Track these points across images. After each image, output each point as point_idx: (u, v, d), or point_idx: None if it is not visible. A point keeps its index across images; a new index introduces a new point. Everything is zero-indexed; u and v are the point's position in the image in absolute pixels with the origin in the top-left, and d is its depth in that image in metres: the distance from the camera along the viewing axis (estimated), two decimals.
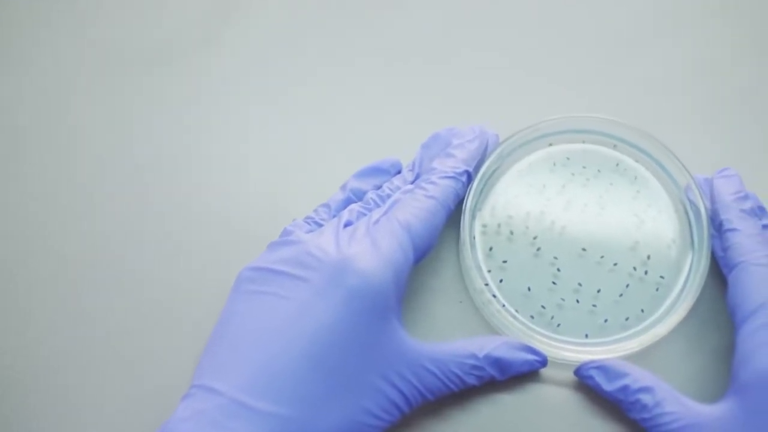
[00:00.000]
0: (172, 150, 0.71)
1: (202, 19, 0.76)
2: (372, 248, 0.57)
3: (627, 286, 0.64)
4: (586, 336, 0.63)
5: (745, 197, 0.63)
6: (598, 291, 0.64)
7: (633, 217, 0.66)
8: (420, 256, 0.60)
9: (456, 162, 0.63)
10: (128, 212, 0.68)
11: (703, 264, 0.62)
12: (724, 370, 0.61)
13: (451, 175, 0.62)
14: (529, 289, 0.64)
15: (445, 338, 0.60)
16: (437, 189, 0.61)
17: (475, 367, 0.59)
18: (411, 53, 0.75)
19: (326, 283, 0.56)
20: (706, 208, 0.64)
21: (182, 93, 0.73)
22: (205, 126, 0.72)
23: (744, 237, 0.61)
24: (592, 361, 0.60)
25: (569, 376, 0.62)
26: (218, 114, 0.72)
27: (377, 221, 0.59)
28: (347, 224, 0.61)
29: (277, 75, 0.74)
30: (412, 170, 0.65)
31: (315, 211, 0.64)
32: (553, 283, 0.64)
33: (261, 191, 0.69)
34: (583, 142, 0.68)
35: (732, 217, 0.62)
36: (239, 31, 0.76)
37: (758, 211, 0.64)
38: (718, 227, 0.63)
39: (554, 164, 0.68)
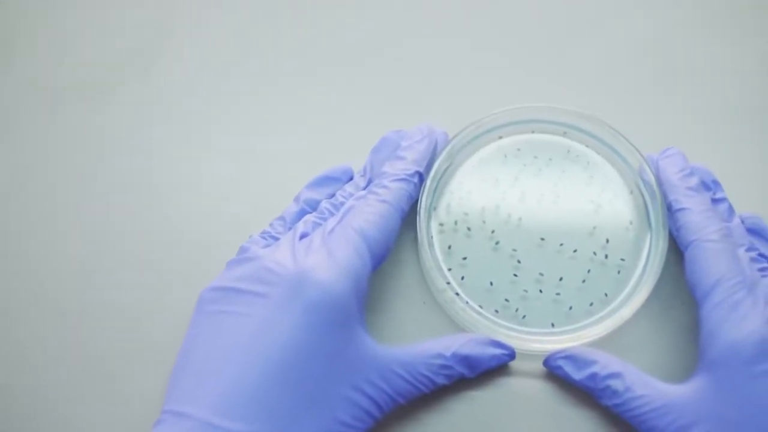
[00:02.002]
0: (122, 179, 0.70)
1: (139, 47, 0.75)
2: (329, 258, 0.57)
3: (588, 271, 0.64)
4: (552, 325, 0.63)
5: (691, 174, 0.63)
6: (561, 279, 0.64)
7: (588, 202, 0.66)
8: (378, 261, 0.60)
9: (406, 164, 0.63)
10: (83, 241, 0.68)
11: (662, 243, 0.63)
12: (692, 347, 0.61)
13: (402, 177, 0.62)
14: (491, 283, 0.64)
15: (411, 340, 0.60)
16: (389, 193, 0.61)
17: (443, 366, 0.59)
18: (349, 59, 0.75)
19: (286, 297, 0.56)
20: (660, 186, 0.64)
21: (127, 121, 0.72)
22: (153, 151, 0.71)
23: (693, 215, 0.61)
24: (560, 351, 0.60)
25: (539, 366, 0.62)
26: (164, 138, 0.71)
27: (332, 230, 0.59)
28: (303, 236, 0.60)
29: (219, 94, 0.73)
30: (363, 176, 0.65)
31: (270, 225, 0.63)
32: (515, 275, 0.64)
33: (215, 210, 0.68)
34: (533, 132, 0.69)
35: (679, 197, 0.62)
36: (178, 54, 0.75)
37: (710, 185, 0.64)
38: (668, 208, 0.63)
39: (505, 156, 0.68)
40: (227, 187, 0.69)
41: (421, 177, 0.63)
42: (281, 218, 0.64)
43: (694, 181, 0.63)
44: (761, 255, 0.62)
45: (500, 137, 0.68)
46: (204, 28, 0.76)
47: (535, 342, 0.61)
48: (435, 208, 0.66)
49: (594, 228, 0.65)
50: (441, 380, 0.59)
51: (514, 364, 0.62)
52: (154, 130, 0.72)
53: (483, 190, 0.67)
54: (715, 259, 0.59)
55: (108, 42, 0.76)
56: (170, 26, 0.76)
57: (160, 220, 0.68)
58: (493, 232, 0.65)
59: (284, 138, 0.71)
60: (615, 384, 0.58)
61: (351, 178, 0.66)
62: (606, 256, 0.64)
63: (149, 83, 0.74)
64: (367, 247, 0.58)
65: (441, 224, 0.66)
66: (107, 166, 0.70)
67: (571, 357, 0.60)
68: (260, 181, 0.69)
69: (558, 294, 0.63)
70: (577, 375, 0.59)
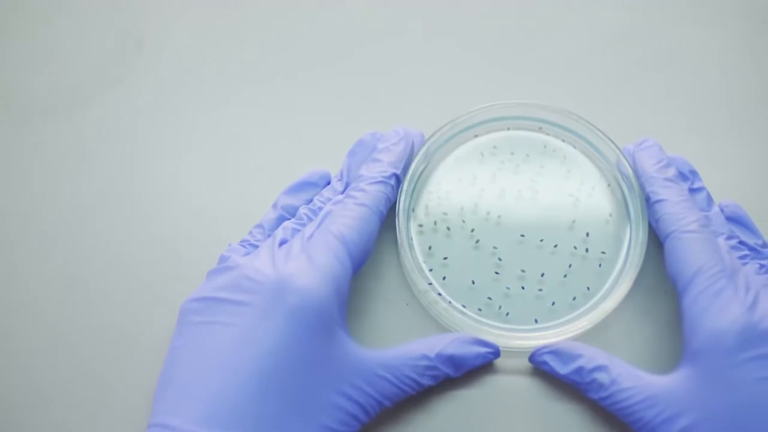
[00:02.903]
0: (100, 192, 0.69)
1: (111, 59, 0.75)
2: (309, 264, 0.57)
3: (570, 266, 0.64)
4: (536, 321, 0.62)
5: (667, 165, 0.64)
6: (542, 275, 0.64)
7: (567, 197, 0.66)
8: (358, 265, 0.60)
9: (383, 166, 0.63)
10: (60, 255, 0.67)
11: (642, 235, 0.63)
12: (676, 337, 0.61)
13: (380, 179, 0.62)
14: (473, 282, 0.64)
15: (396, 343, 0.60)
16: (367, 196, 0.61)
17: (428, 367, 0.58)
18: (320, 63, 0.75)
19: (267, 305, 0.56)
20: (638, 179, 0.64)
21: (101, 134, 0.72)
22: (129, 163, 0.71)
23: (671, 206, 0.61)
24: (545, 346, 0.60)
25: (524, 363, 0.62)
26: (140, 150, 0.71)
27: (311, 236, 0.59)
28: (282, 242, 0.60)
29: (192, 104, 0.73)
30: (341, 180, 0.64)
31: (250, 233, 0.63)
32: (496, 273, 0.64)
33: (195, 220, 0.68)
34: (508, 129, 0.69)
35: (657, 188, 0.62)
36: (150, 66, 0.75)
37: (688, 175, 0.64)
38: (647, 200, 0.63)
39: (482, 155, 0.68)
40: (206, 197, 0.69)
41: (399, 179, 0.63)
42: (260, 225, 0.63)
43: (671, 171, 0.63)
44: (741, 243, 0.62)
45: (476, 136, 0.68)
46: (175, 39, 0.76)
47: (520, 339, 0.61)
48: (414, 210, 0.66)
49: (574, 222, 0.65)
50: (426, 381, 0.59)
51: (500, 362, 0.62)
52: (128, 142, 0.72)
53: (461, 189, 0.67)
54: (695, 249, 0.59)
55: (80, 55, 0.76)
56: (141, 38, 0.76)
57: (139, 232, 0.68)
58: (472, 230, 0.65)
59: (261, 145, 0.71)
60: (601, 377, 0.58)
61: (328, 183, 0.66)
62: (587, 250, 0.64)
63: (122, 96, 0.74)
64: (346, 251, 0.58)
65: (420, 225, 0.66)
66: (84, 178, 0.70)
67: (556, 352, 0.60)
68: (238, 189, 0.69)
69: (540, 290, 0.63)
70: (563, 369, 0.59)
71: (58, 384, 0.63)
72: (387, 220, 0.63)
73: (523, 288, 0.63)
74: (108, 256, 0.67)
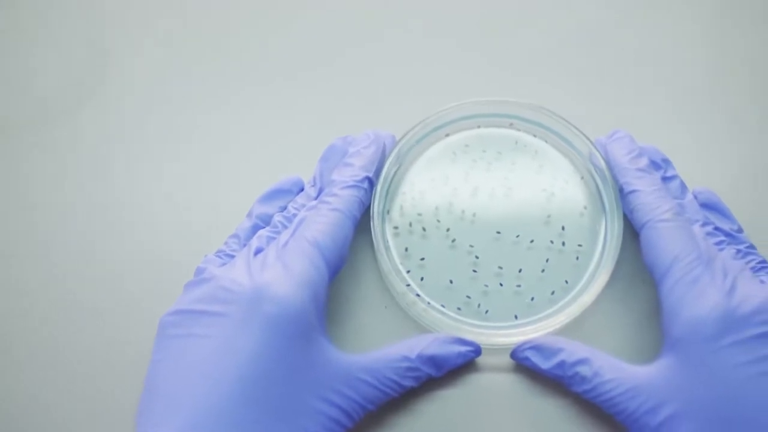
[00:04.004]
0: (74, 208, 0.69)
1: (81, 73, 0.75)
2: (284, 272, 0.57)
3: (547, 260, 0.64)
4: (516, 317, 0.63)
5: (639, 155, 0.64)
6: (520, 271, 0.64)
7: (541, 191, 0.66)
8: (334, 270, 0.59)
9: (354, 170, 0.63)
10: (37, 268, 0.67)
11: (617, 226, 0.63)
12: (656, 326, 0.61)
13: (352, 184, 0.62)
14: (451, 281, 0.64)
15: (377, 346, 0.60)
16: (340, 201, 0.61)
17: (410, 369, 0.58)
18: (289, 72, 0.74)
19: (245, 315, 0.56)
20: (610, 171, 0.64)
21: (75, 149, 0.72)
22: (103, 178, 0.70)
23: (645, 196, 0.61)
24: (526, 342, 0.60)
25: (506, 360, 0.62)
26: (113, 165, 0.71)
27: (286, 244, 0.59)
28: (258, 251, 0.60)
29: (162, 116, 0.73)
30: (314, 185, 0.64)
31: (225, 243, 0.63)
32: (474, 271, 0.64)
33: (170, 233, 0.68)
34: (479, 126, 0.69)
35: (630, 179, 0.63)
36: (121, 81, 0.74)
37: (661, 164, 0.64)
38: (620, 191, 0.63)
39: (454, 153, 0.68)
40: (178, 209, 0.69)
41: (371, 182, 0.63)
42: (235, 235, 0.63)
43: (643, 162, 0.63)
44: (717, 229, 0.62)
45: (447, 135, 0.68)
46: (144, 49, 0.76)
47: (500, 336, 0.61)
48: (388, 212, 0.66)
49: (549, 216, 0.65)
50: (409, 383, 0.59)
51: (482, 360, 0.62)
52: (102, 156, 0.71)
53: (435, 189, 0.67)
54: (670, 238, 0.59)
55: (50, 71, 0.75)
56: (110, 50, 0.76)
57: (117, 247, 0.67)
58: (448, 230, 0.65)
59: (233, 154, 0.71)
60: (583, 370, 0.58)
61: (302, 189, 0.65)
62: (563, 244, 0.64)
63: (95, 110, 0.73)
64: (322, 257, 0.58)
65: (396, 227, 0.65)
66: (60, 192, 0.70)
67: (537, 347, 0.60)
68: (214, 199, 0.69)
69: (518, 286, 0.63)
70: (545, 364, 0.59)
71: (39, 397, 0.63)
72: (362, 223, 0.63)
73: (501, 285, 0.63)
74: (85, 270, 0.67)
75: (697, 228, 0.61)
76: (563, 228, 0.65)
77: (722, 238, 0.62)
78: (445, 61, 0.74)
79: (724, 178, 0.68)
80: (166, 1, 0.78)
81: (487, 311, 0.63)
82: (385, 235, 0.65)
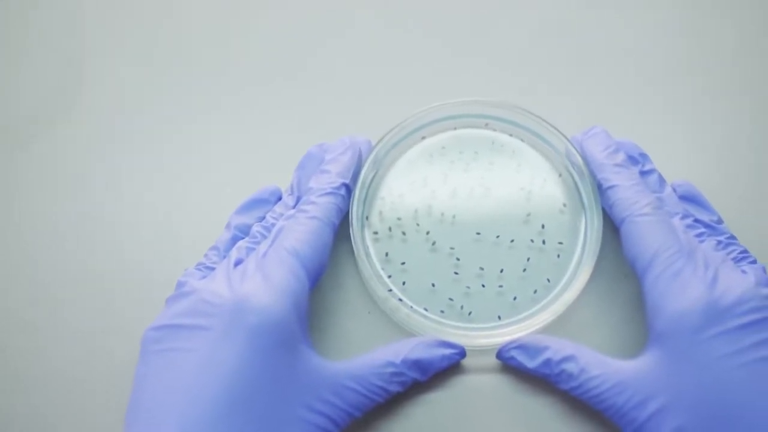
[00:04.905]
0: (52, 227, 0.69)
1: (52, 96, 0.74)
2: (265, 282, 0.57)
3: (528, 259, 0.64)
4: (499, 318, 0.62)
5: (616, 150, 0.64)
6: (502, 271, 0.64)
7: (519, 190, 0.66)
8: (314, 278, 0.59)
9: (331, 177, 0.63)
10: (15, 287, 0.67)
11: (597, 222, 0.63)
12: (641, 320, 0.62)
13: (329, 191, 0.62)
14: (433, 284, 0.63)
15: (361, 352, 0.59)
16: (318, 208, 0.61)
17: (395, 374, 0.58)
18: (259, 81, 0.74)
19: (226, 327, 0.55)
20: (588, 167, 0.64)
21: (50, 166, 0.71)
22: (80, 192, 0.70)
23: (623, 191, 0.61)
24: (511, 342, 0.60)
25: (492, 360, 0.62)
26: (90, 181, 0.70)
27: (265, 254, 0.59)
28: (238, 262, 0.60)
29: (138, 131, 0.72)
30: (291, 194, 0.64)
31: (205, 255, 0.63)
32: (456, 273, 0.64)
33: (150, 247, 0.67)
34: (455, 128, 0.68)
35: (608, 175, 0.63)
36: (90, 101, 0.74)
37: (638, 158, 0.64)
38: (599, 187, 0.63)
39: (431, 156, 0.68)
40: (158, 224, 0.68)
41: (349, 188, 0.63)
42: (215, 247, 0.63)
43: (620, 157, 0.63)
44: (697, 221, 0.62)
45: (423, 137, 0.68)
46: (120, 67, 0.75)
47: (485, 337, 0.61)
48: (367, 217, 0.66)
49: (528, 215, 0.65)
50: (394, 388, 0.58)
51: (468, 362, 0.62)
52: (79, 173, 0.71)
53: (413, 193, 0.66)
54: (650, 232, 0.59)
55: (26, 89, 0.75)
56: (80, 72, 0.75)
57: (97, 264, 0.67)
58: (428, 233, 0.65)
59: (209, 167, 0.70)
60: (570, 367, 0.58)
61: (279, 198, 0.65)
62: (544, 242, 0.64)
63: (70, 128, 0.73)
64: (301, 265, 0.58)
65: (375, 232, 0.65)
66: (38, 210, 0.69)
67: (522, 346, 0.60)
68: (192, 212, 0.69)
69: (501, 286, 0.63)
70: (531, 363, 0.59)
71: (22, 414, 0.63)
72: (342, 229, 0.63)
73: (483, 286, 0.63)
74: (65, 286, 0.66)
75: (676, 221, 0.61)
76: (543, 226, 0.65)
77: (702, 229, 0.62)
78: (420, 62, 0.74)
79: (702, 170, 0.68)
80: (138, 17, 0.77)
81: (470, 313, 0.63)
82: (365, 240, 0.65)
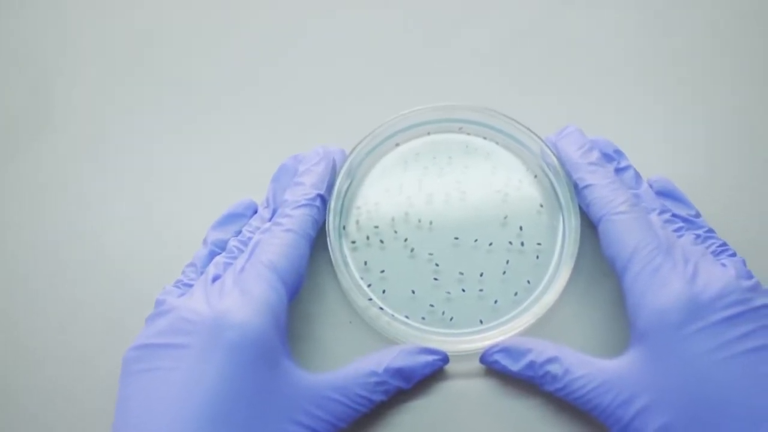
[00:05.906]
0: (31, 245, 0.69)
1: (22, 116, 0.74)
2: (243, 298, 0.56)
3: (507, 262, 0.64)
4: (481, 322, 0.62)
5: (590, 149, 0.64)
6: (481, 275, 0.64)
7: (495, 193, 0.66)
8: (293, 291, 0.59)
9: (305, 189, 0.62)
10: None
11: (575, 221, 0.63)
12: (622, 318, 0.61)
13: (304, 203, 0.61)
14: (413, 291, 0.63)
15: (344, 363, 0.59)
16: (293, 221, 0.61)
17: (378, 383, 0.58)
18: (227, 94, 0.74)
19: (206, 344, 0.55)
20: (563, 167, 0.64)
21: (24, 184, 0.71)
22: (53, 218, 0.69)
23: (599, 190, 0.61)
24: (494, 346, 0.60)
25: (476, 365, 0.61)
26: (61, 203, 0.70)
27: (242, 269, 0.59)
28: (215, 278, 0.60)
29: (108, 153, 0.72)
30: (267, 207, 0.64)
31: (183, 272, 0.63)
32: (435, 279, 0.63)
33: (127, 268, 0.67)
34: (428, 133, 0.68)
35: (583, 174, 0.63)
36: (61, 122, 0.74)
37: (613, 155, 0.64)
38: (575, 187, 0.63)
39: (406, 162, 0.68)
40: (136, 242, 0.68)
41: (324, 199, 0.63)
42: (192, 264, 0.63)
43: (594, 155, 0.63)
44: (674, 216, 0.62)
45: (397, 144, 0.68)
46: (86, 91, 0.75)
47: (467, 342, 0.61)
48: (344, 227, 0.65)
49: (505, 217, 0.65)
50: (378, 397, 0.58)
51: (451, 367, 0.62)
52: (49, 197, 0.70)
53: (389, 200, 0.66)
54: (628, 229, 0.59)
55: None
56: (51, 92, 0.75)
57: (70, 285, 0.67)
58: (406, 240, 0.65)
59: (185, 183, 0.70)
60: (553, 369, 0.58)
61: (255, 212, 0.65)
62: (522, 244, 0.64)
63: (37, 153, 0.72)
64: (279, 279, 0.58)
65: (353, 242, 0.65)
66: (10, 234, 0.69)
67: (505, 350, 0.60)
68: (169, 230, 0.68)
69: (481, 290, 0.63)
70: (515, 366, 0.59)
71: None
72: (320, 240, 0.63)
73: (463, 290, 0.63)
74: (43, 309, 0.66)
75: (654, 217, 0.61)
76: (521, 228, 0.65)
77: (681, 224, 0.62)
78: (391, 68, 0.74)
79: (678, 165, 0.68)
80: (101, 42, 0.77)
81: (451, 318, 0.62)
82: (343, 250, 0.65)
